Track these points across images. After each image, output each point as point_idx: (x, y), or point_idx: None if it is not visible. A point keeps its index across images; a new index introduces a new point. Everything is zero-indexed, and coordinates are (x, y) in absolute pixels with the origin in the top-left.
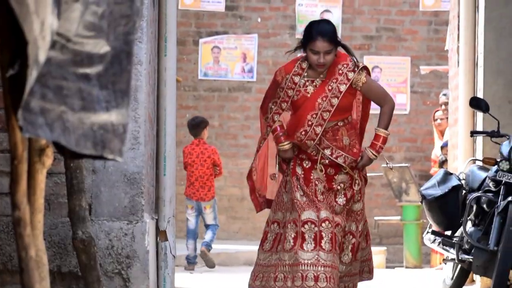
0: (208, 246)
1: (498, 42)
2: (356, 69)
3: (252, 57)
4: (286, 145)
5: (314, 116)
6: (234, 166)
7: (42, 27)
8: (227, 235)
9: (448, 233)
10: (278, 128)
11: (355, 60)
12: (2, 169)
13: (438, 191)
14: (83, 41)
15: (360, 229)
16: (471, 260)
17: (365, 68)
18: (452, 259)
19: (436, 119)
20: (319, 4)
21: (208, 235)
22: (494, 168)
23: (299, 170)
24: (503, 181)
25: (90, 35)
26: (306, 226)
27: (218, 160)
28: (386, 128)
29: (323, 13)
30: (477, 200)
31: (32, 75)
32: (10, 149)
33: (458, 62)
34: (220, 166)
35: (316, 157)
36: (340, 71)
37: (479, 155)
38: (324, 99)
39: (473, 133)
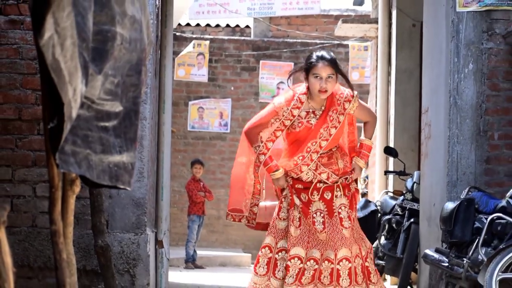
0: (186, 262)
1: (404, 107)
2: (351, 99)
3: (227, 115)
4: (278, 173)
5: (314, 143)
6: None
7: (74, 92)
8: (207, 244)
9: None
10: (268, 160)
11: (349, 90)
12: (44, 194)
13: (360, 214)
14: (103, 103)
15: (363, 253)
16: (383, 264)
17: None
18: None
19: None
20: (275, 77)
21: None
22: (401, 197)
23: (297, 202)
24: (407, 207)
25: (109, 98)
26: (292, 260)
27: (187, 191)
28: (370, 138)
29: (279, 84)
30: (389, 221)
31: (67, 127)
32: (49, 180)
33: None
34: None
35: (312, 182)
36: (338, 101)
37: (391, 188)
38: (326, 129)
39: (386, 172)
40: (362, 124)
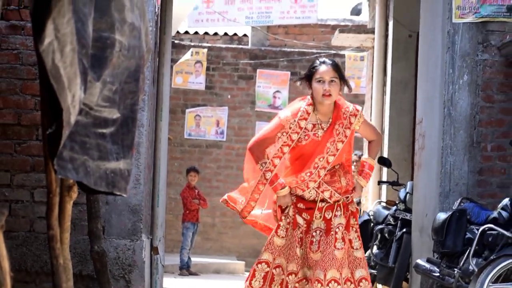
0: (181, 269)
1: (398, 118)
2: (356, 113)
3: (223, 123)
4: (284, 191)
5: (321, 159)
6: (208, 202)
7: (73, 99)
8: (202, 251)
9: None
10: (274, 178)
11: (354, 105)
12: (42, 199)
13: None
14: (101, 109)
15: (356, 278)
16: (375, 273)
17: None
18: None
19: None
20: (272, 86)
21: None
22: (394, 207)
23: (300, 221)
24: (400, 217)
25: (106, 105)
26: (301, 283)
27: (182, 198)
28: (374, 158)
29: (275, 93)
30: (381, 230)
31: (66, 133)
32: (46, 185)
33: None
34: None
35: (314, 201)
36: (344, 115)
37: (384, 198)
38: (332, 143)
39: (380, 182)
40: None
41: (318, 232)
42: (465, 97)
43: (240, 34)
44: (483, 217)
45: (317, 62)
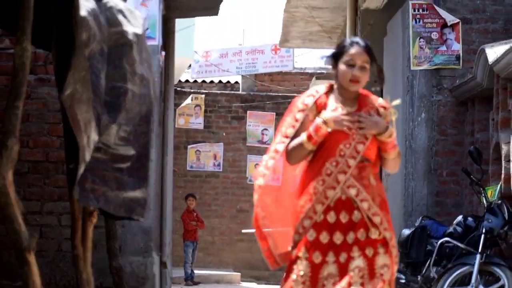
0: (186, 280)
1: None
2: (387, 106)
3: (219, 156)
4: (323, 119)
5: (348, 146)
6: (208, 223)
7: (88, 140)
8: (203, 264)
9: None
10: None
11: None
12: (67, 224)
13: None
14: (118, 148)
15: None
16: None
17: (394, 112)
18: None
19: None
20: (260, 125)
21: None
22: None
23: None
24: None
25: (122, 144)
26: None
27: (182, 220)
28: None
29: (263, 131)
30: None
31: (81, 168)
32: (71, 212)
33: None
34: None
35: (341, 200)
36: (371, 104)
37: None
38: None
39: None
40: None
41: (357, 270)
42: (423, 132)
43: (232, 81)
44: (441, 232)
45: (347, 41)
